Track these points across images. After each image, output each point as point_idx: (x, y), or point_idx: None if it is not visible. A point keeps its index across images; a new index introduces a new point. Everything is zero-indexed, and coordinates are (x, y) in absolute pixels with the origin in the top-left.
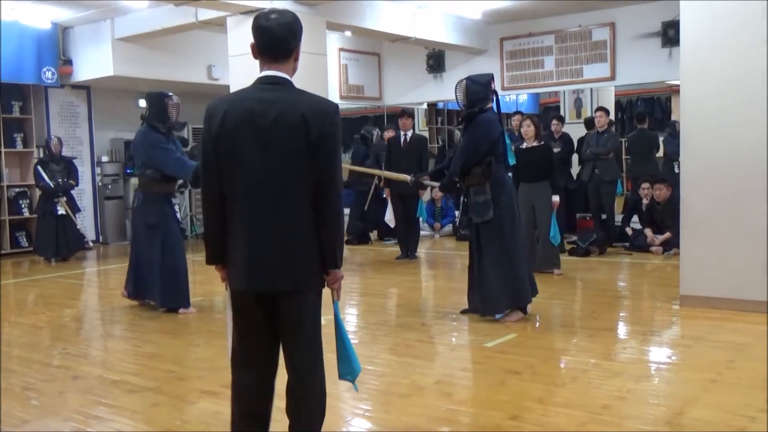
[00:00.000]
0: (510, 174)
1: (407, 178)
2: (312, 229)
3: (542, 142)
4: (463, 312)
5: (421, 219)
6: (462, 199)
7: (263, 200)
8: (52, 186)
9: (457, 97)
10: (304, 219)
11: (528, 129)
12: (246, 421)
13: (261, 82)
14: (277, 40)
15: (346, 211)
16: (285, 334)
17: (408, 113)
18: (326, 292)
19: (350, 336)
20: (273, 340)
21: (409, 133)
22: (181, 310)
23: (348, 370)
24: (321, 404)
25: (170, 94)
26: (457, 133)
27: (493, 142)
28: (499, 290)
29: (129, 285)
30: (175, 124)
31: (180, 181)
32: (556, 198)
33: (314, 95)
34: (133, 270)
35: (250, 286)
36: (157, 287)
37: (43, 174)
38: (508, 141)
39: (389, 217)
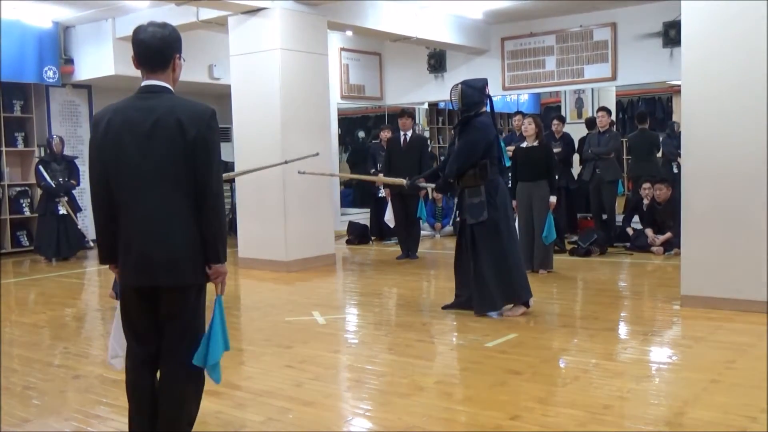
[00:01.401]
0: (509, 173)
1: (403, 182)
2: (195, 226)
3: (543, 143)
4: (445, 308)
5: (421, 219)
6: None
7: (146, 201)
8: (54, 185)
9: (452, 101)
10: (186, 216)
11: (529, 127)
12: (141, 418)
13: (141, 91)
14: (153, 52)
15: (352, 210)
16: (163, 328)
17: (408, 113)
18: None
19: (351, 336)
20: (160, 334)
21: (409, 133)
22: None
23: (199, 357)
24: (193, 401)
25: None
26: None
27: (489, 145)
28: (495, 289)
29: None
30: None
31: None
32: (553, 198)
33: (192, 101)
34: None
35: (137, 281)
36: None
37: (45, 173)
38: (502, 144)
39: (389, 217)
